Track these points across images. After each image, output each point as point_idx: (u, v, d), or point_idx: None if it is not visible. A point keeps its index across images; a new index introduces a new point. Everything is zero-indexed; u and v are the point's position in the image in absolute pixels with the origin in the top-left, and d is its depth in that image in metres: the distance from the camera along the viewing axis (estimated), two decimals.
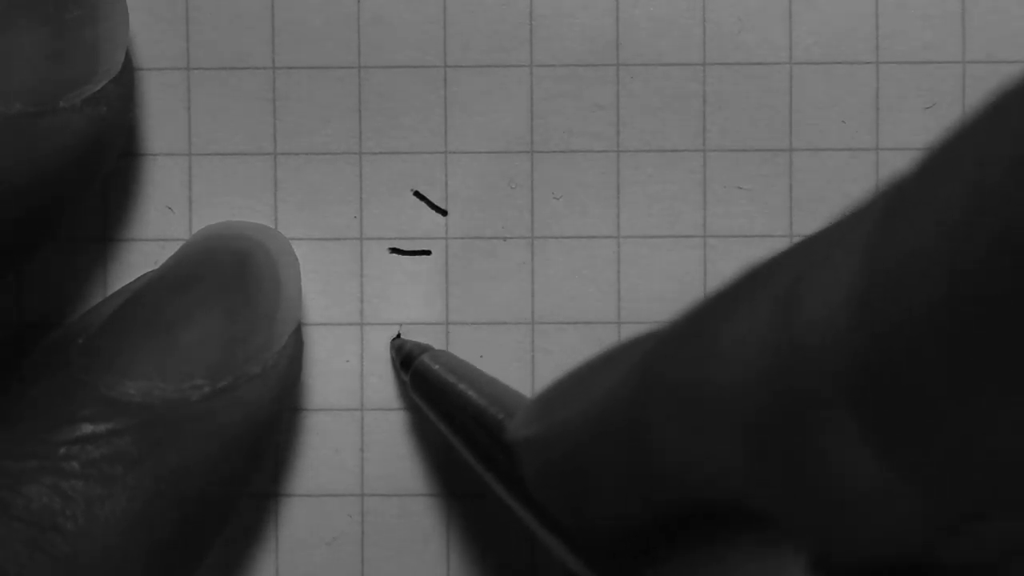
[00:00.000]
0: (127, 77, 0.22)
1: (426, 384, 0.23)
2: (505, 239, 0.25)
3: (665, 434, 0.14)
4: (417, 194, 0.25)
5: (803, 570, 0.13)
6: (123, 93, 0.22)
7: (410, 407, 0.25)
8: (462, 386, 0.22)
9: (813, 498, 0.13)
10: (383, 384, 0.25)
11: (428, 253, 0.25)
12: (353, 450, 0.25)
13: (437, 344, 0.25)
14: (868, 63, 0.25)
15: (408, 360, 0.24)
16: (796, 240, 0.25)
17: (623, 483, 0.15)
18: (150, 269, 0.24)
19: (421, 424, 0.25)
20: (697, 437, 0.14)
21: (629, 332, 0.25)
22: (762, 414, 0.13)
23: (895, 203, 0.12)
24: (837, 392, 0.12)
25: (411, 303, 0.25)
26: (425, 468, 0.25)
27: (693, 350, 0.14)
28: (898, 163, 0.25)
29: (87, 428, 0.21)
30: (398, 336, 0.25)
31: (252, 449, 0.23)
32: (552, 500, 0.17)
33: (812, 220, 0.25)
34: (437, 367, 0.23)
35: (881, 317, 0.11)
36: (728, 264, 0.25)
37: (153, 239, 0.25)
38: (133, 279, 0.24)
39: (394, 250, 0.25)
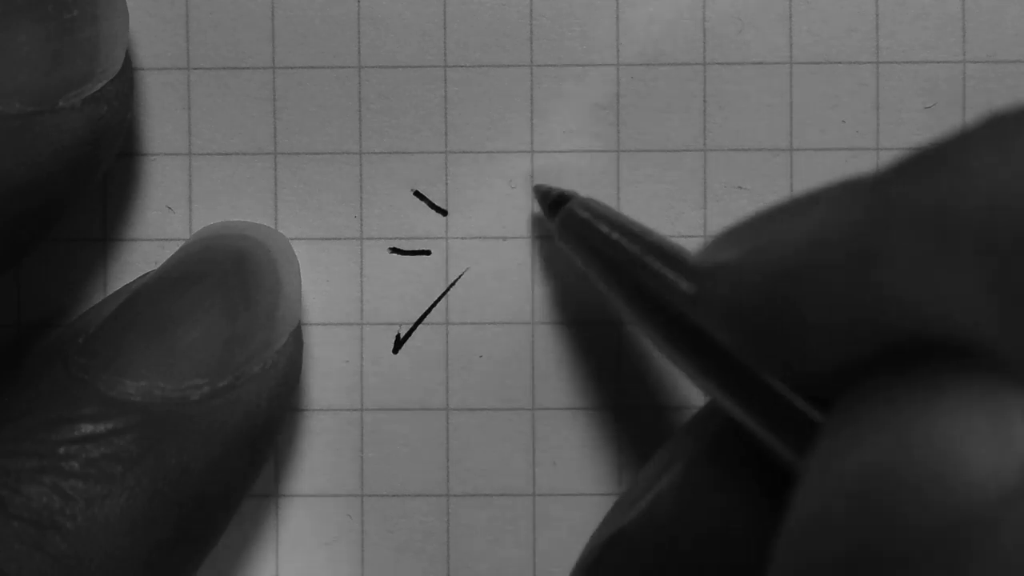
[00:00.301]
0: (126, 77, 0.22)
1: (576, 232, 0.22)
2: (505, 239, 0.25)
3: (901, 263, 0.13)
4: (417, 194, 0.25)
5: None
6: (122, 93, 0.22)
7: (557, 259, 0.25)
8: (615, 235, 0.21)
9: None
10: (383, 384, 0.25)
11: (428, 253, 0.25)
12: (353, 450, 0.25)
13: (439, 342, 0.25)
14: (868, 63, 0.25)
15: (555, 206, 0.23)
16: None
17: (839, 317, 0.14)
18: (150, 269, 0.24)
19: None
20: (937, 267, 0.13)
21: (629, 332, 0.25)
22: (1013, 244, 0.12)
23: None
24: None
25: (411, 303, 0.25)
26: (425, 468, 0.25)
27: (941, 174, 0.13)
28: None
29: (87, 428, 0.21)
30: (540, 185, 0.25)
31: (252, 448, 0.23)
32: (741, 335, 0.16)
33: None
34: (587, 214, 0.22)
35: None
36: None
37: (153, 239, 0.25)
38: (133, 279, 0.24)
39: (394, 250, 0.25)
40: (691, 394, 0.25)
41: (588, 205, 0.23)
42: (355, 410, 0.25)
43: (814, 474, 0.14)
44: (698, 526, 0.18)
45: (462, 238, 0.25)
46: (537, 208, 0.25)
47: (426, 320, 0.25)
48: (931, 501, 0.13)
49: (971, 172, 0.13)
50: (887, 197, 0.14)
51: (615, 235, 0.21)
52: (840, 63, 0.25)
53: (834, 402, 0.14)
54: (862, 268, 0.14)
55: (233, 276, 0.23)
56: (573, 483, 0.25)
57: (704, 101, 0.25)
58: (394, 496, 0.25)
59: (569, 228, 0.23)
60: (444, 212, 0.25)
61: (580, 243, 0.22)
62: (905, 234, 0.13)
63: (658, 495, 0.19)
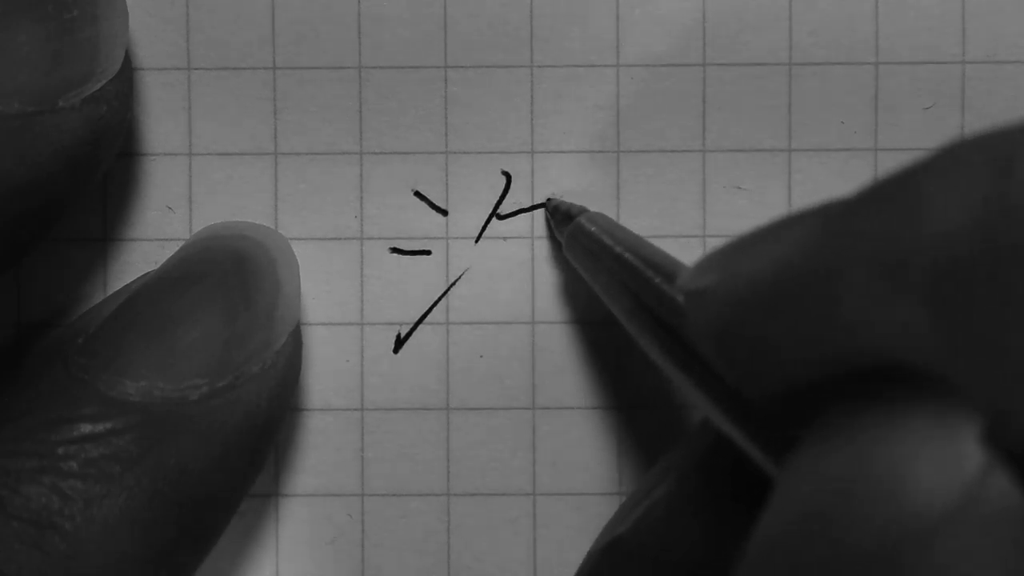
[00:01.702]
0: (126, 77, 0.22)
1: (583, 245, 0.23)
2: (505, 239, 0.25)
3: (857, 288, 0.14)
4: (417, 194, 0.25)
5: (975, 442, 0.13)
6: (122, 93, 0.22)
7: (563, 268, 0.25)
8: (619, 248, 0.21)
9: (1005, 365, 0.13)
10: (383, 384, 0.25)
11: (428, 253, 0.25)
12: (353, 450, 0.25)
13: (439, 342, 0.25)
14: (868, 63, 0.25)
15: (565, 220, 0.24)
16: None
17: (803, 338, 0.15)
18: (150, 269, 0.24)
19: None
20: (890, 292, 0.14)
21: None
22: (963, 271, 0.13)
23: None
24: None
25: (411, 303, 0.25)
26: (425, 468, 0.25)
27: (895, 204, 0.14)
28: (897, 164, 0.25)
29: (86, 428, 0.21)
30: (551, 199, 0.25)
31: (252, 449, 0.23)
32: (721, 355, 0.16)
33: None
34: (594, 228, 0.23)
35: None
36: None
37: (153, 239, 0.25)
38: (133, 279, 0.24)
39: (394, 250, 0.25)
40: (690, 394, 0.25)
41: (596, 220, 0.23)
42: (355, 410, 0.25)
43: (779, 494, 0.14)
44: (687, 538, 0.19)
45: (462, 238, 0.25)
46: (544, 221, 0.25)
47: (426, 320, 0.25)
48: (876, 521, 0.13)
49: (919, 203, 0.13)
50: (841, 228, 0.14)
51: (619, 248, 0.21)
52: (840, 63, 0.25)
53: (810, 424, 0.15)
54: (819, 298, 0.14)
55: (233, 276, 0.23)
56: (573, 483, 0.25)
57: (703, 102, 0.25)
58: (394, 496, 0.25)
59: (577, 241, 0.23)
60: (444, 212, 0.25)
61: (586, 256, 0.23)
62: (857, 264, 0.14)
63: (651, 506, 0.20)
